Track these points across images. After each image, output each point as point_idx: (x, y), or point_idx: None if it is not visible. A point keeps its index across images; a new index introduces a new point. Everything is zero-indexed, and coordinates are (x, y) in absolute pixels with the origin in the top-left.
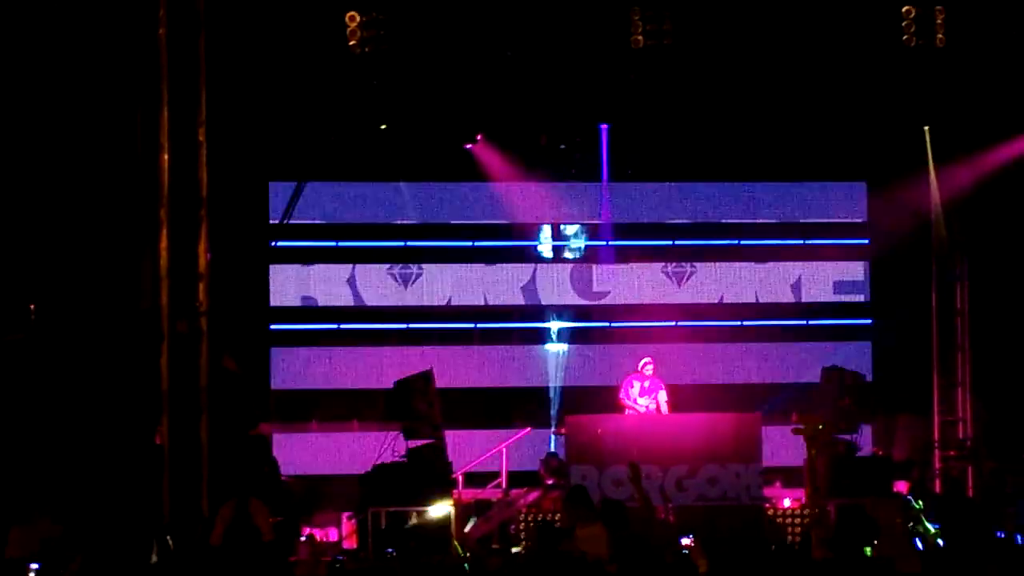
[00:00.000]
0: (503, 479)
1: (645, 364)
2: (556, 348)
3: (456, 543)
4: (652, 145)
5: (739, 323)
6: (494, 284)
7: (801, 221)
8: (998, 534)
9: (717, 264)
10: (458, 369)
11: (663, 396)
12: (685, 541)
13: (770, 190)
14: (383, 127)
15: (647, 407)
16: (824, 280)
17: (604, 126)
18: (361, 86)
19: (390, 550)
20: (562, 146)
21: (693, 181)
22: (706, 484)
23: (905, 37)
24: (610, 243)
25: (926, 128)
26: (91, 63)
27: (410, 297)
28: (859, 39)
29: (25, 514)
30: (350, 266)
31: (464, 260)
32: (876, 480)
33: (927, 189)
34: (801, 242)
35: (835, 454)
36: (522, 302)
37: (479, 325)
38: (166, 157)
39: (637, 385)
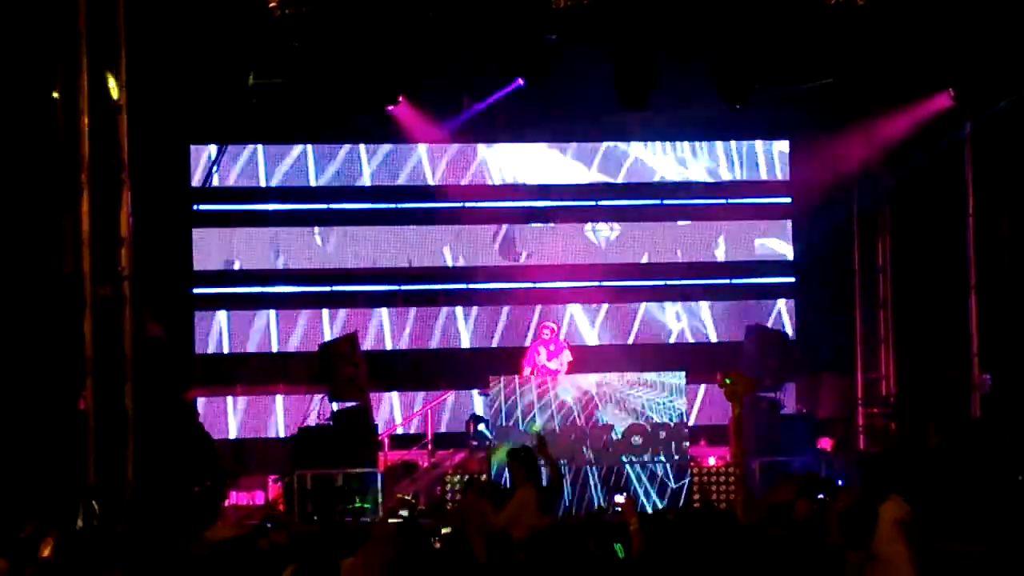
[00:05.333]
0: (429, 440)
1: (544, 328)
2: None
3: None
4: (574, 105)
5: (663, 283)
6: (418, 246)
7: (724, 180)
8: None
9: (640, 224)
10: (383, 331)
11: (567, 356)
12: (619, 499)
13: (692, 149)
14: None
15: (556, 370)
16: (747, 239)
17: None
18: (282, 47)
19: (316, 517)
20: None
21: (615, 141)
22: (631, 444)
23: None
24: (534, 204)
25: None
26: (8, 26)
27: (334, 260)
28: None
29: None
30: (273, 229)
31: (387, 222)
32: (800, 438)
33: (849, 147)
34: (724, 201)
35: (759, 412)
36: (446, 264)
37: (403, 287)
38: (86, 121)
39: (543, 351)
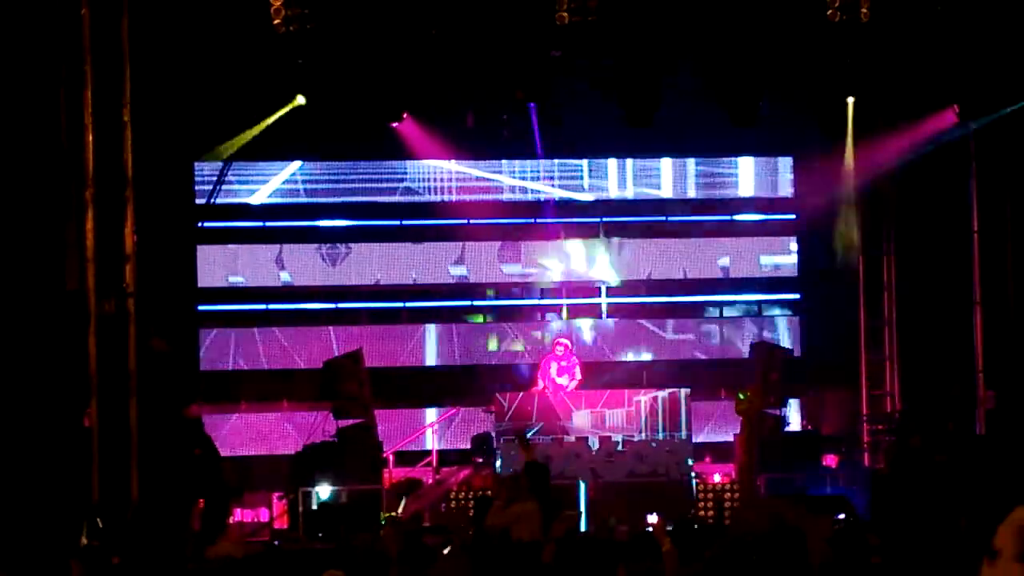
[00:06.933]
0: (433, 458)
1: (557, 344)
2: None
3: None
4: (578, 121)
5: (667, 299)
6: (423, 263)
7: (728, 197)
8: None
9: (644, 240)
10: (387, 348)
11: (577, 373)
12: (651, 519)
13: (697, 165)
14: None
15: (564, 387)
16: (752, 255)
17: (532, 105)
18: (286, 65)
19: (320, 534)
20: (470, 123)
21: (619, 156)
22: (635, 460)
23: (829, 12)
24: (537, 220)
25: (849, 100)
26: (13, 43)
27: (338, 277)
28: (784, 14)
29: None
30: (277, 246)
31: (392, 239)
32: (805, 455)
33: (853, 163)
34: (729, 217)
35: (763, 429)
36: (451, 280)
37: (408, 304)
38: (91, 138)
39: (555, 366)
